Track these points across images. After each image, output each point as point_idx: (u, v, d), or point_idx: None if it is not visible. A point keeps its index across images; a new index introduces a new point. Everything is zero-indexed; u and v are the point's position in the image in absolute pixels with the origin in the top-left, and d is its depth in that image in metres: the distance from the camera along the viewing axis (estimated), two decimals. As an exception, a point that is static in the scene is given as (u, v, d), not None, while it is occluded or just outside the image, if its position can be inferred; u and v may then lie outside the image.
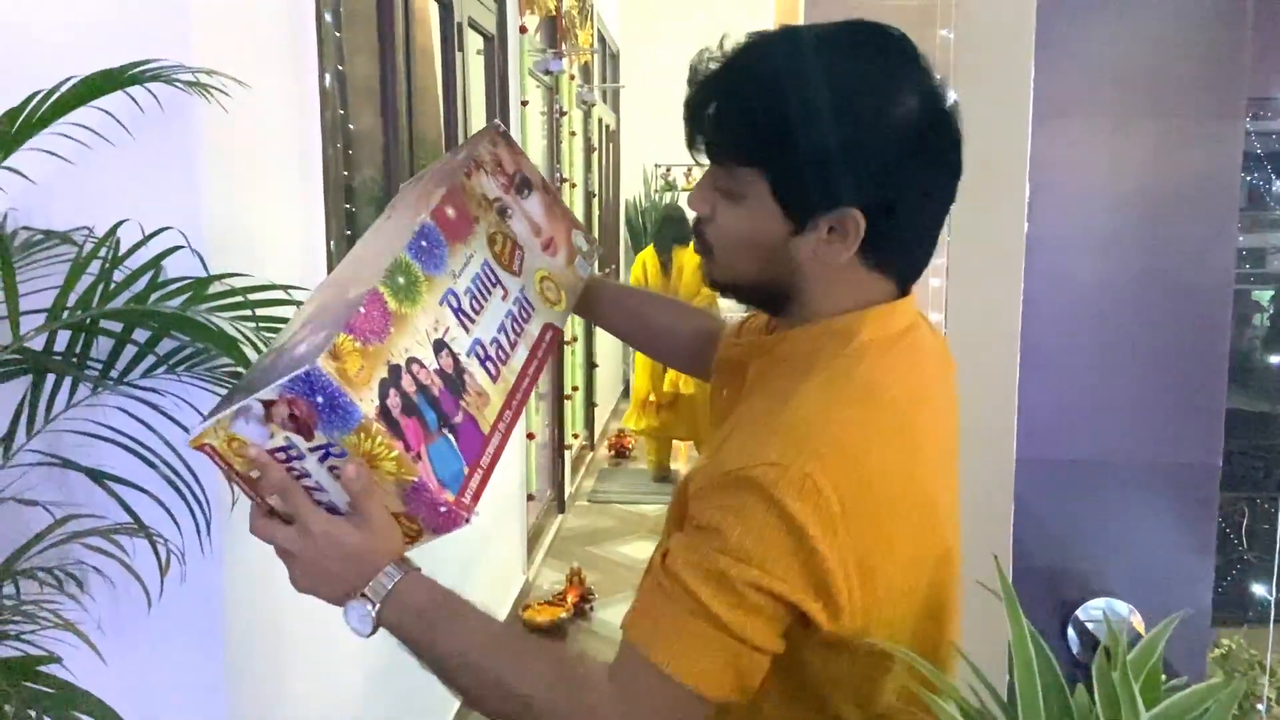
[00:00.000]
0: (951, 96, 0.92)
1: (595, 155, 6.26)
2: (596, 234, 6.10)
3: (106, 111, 1.40)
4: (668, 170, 7.92)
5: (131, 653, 1.55)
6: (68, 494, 1.52)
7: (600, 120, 6.60)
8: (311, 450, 0.86)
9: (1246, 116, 1.65)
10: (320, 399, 0.83)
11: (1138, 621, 1.66)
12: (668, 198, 7.44)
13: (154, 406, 1.45)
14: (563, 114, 5.00)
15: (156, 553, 1.41)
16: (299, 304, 1.27)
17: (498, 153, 1.16)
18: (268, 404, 0.85)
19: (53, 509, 1.47)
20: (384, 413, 0.86)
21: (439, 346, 0.95)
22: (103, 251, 1.41)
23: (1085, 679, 0.82)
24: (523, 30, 3.97)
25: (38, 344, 1.39)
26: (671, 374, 5.43)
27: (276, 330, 1.35)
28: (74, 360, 1.42)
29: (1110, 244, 1.68)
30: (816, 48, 0.90)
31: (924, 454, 0.93)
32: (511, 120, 3.88)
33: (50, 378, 1.43)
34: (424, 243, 0.98)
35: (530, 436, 4.25)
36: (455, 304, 0.99)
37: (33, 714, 1.21)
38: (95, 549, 1.41)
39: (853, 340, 0.92)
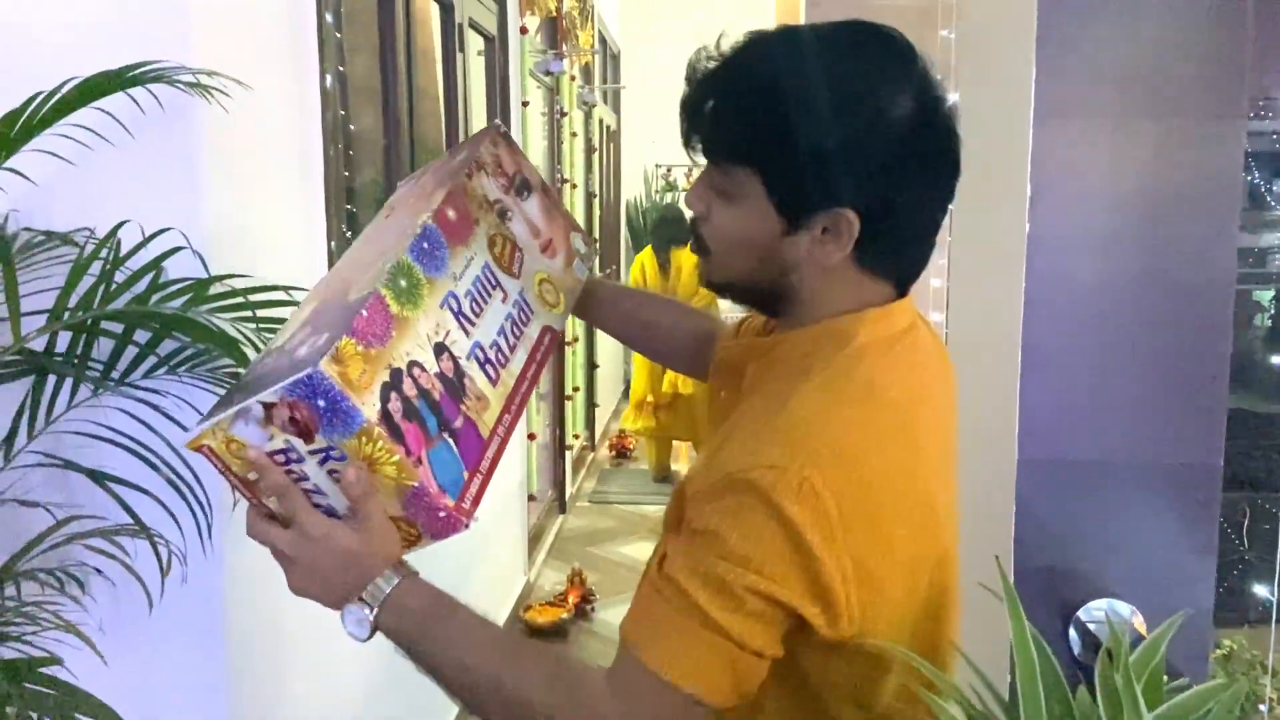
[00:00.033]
0: (950, 98, 0.92)
1: (596, 156, 6.25)
2: (597, 235, 6.11)
3: (107, 112, 1.40)
4: (668, 171, 7.91)
5: (132, 654, 1.55)
6: (69, 495, 1.52)
7: (601, 121, 6.60)
8: (311, 453, 0.86)
9: (1248, 115, 1.65)
10: (322, 402, 0.83)
11: (1139, 622, 1.65)
12: (669, 198, 7.42)
13: (155, 407, 1.45)
14: (563, 115, 5.00)
15: (157, 554, 1.41)
16: (299, 304, 1.27)
17: (498, 153, 1.15)
18: (268, 406, 0.84)
19: (54, 510, 1.47)
20: (385, 417, 0.85)
21: (439, 350, 0.94)
22: (104, 252, 1.41)
23: (1087, 680, 0.82)
24: (523, 31, 3.97)
25: (39, 345, 1.39)
26: (670, 374, 5.41)
27: (277, 331, 1.35)
28: (75, 361, 1.42)
29: (1111, 244, 1.67)
30: (813, 47, 0.90)
31: (925, 454, 0.93)
32: (512, 121, 3.88)
33: (51, 379, 1.43)
34: (425, 245, 0.98)
35: (531, 437, 4.25)
36: (456, 307, 0.98)
37: (34, 715, 1.22)
38: (96, 550, 1.41)
39: (851, 341, 0.92)
